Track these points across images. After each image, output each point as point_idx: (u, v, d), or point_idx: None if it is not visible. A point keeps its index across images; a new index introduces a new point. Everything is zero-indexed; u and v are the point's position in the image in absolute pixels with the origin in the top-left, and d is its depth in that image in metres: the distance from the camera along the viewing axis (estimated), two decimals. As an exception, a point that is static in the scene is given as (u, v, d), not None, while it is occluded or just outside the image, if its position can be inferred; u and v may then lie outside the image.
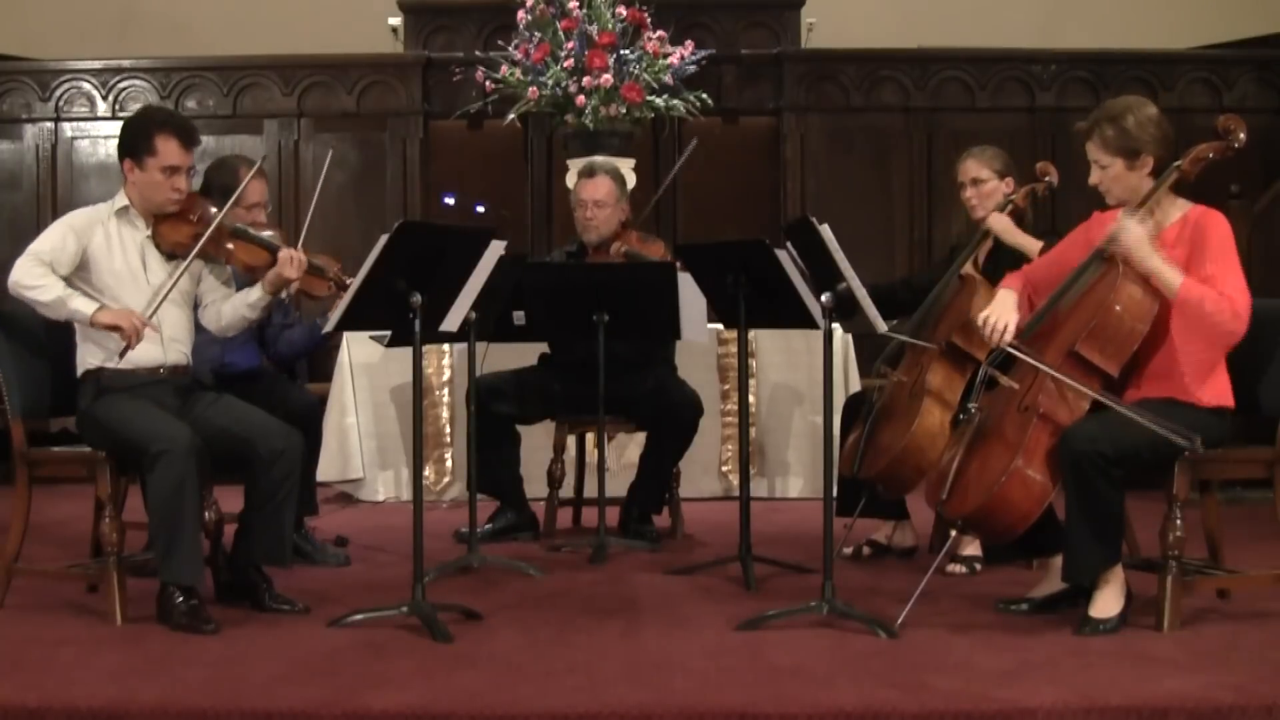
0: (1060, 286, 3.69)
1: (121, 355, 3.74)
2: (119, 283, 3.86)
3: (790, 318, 4.07)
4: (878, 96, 7.92)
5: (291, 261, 3.96)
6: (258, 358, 4.73)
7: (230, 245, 4.01)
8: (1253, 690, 2.97)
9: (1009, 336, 3.68)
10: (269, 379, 4.69)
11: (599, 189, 5.18)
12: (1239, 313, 3.47)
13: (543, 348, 5.29)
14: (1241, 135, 3.60)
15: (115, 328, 3.71)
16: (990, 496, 3.53)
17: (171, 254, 3.94)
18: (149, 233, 3.93)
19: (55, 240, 3.81)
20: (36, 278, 3.72)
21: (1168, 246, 3.58)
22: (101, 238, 3.87)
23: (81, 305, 3.73)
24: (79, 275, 3.83)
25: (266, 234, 4.10)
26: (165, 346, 3.90)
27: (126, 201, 3.94)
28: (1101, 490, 3.43)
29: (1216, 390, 3.57)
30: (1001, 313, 3.73)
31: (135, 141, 3.91)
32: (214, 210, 3.97)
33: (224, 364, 4.51)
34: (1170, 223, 3.65)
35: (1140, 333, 3.54)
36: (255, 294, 4.00)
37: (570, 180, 6.63)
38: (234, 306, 4.04)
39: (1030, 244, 4.34)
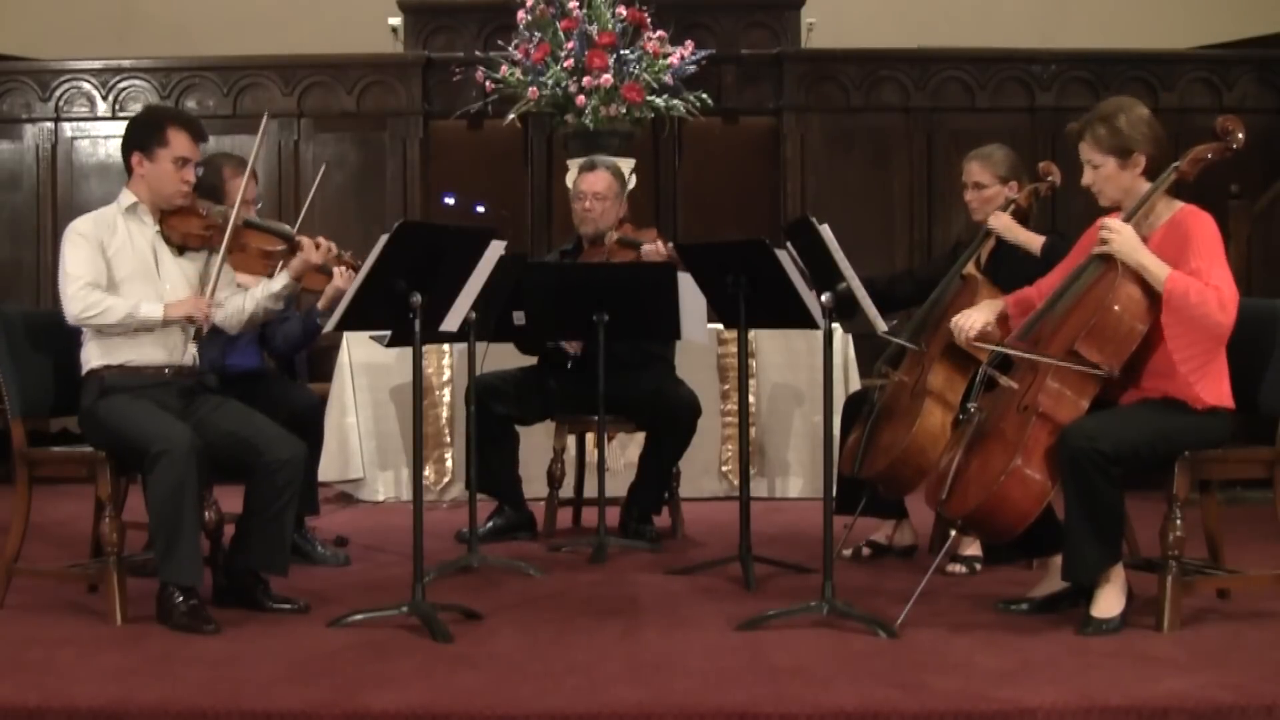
0: (1059, 287, 3.69)
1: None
2: (132, 280, 3.88)
3: (790, 318, 4.07)
4: (878, 96, 7.91)
5: (317, 246, 4.05)
6: (259, 358, 4.73)
7: (246, 237, 4.06)
8: (1253, 690, 2.97)
9: (971, 335, 3.82)
10: (271, 379, 4.70)
11: (598, 182, 5.20)
12: (1225, 303, 3.46)
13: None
14: (1240, 136, 3.60)
15: (189, 319, 3.86)
16: (989, 495, 3.53)
17: (183, 246, 3.98)
18: (158, 228, 3.96)
19: (85, 257, 3.84)
20: (95, 304, 3.79)
21: (1153, 249, 3.57)
22: (112, 238, 3.89)
23: (150, 311, 3.82)
24: None
25: (276, 223, 4.16)
26: (178, 348, 3.93)
27: (134, 199, 3.96)
28: (1100, 488, 3.43)
29: (1216, 391, 3.56)
30: (974, 313, 3.86)
31: (146, 133, 3.94)
32: (216, 207, 4.05)
33: (225, 365, 4.51)
34: (1159, 225, 3.64)
35: (1139, 332, 3.54)
36: (279, 283, 4.03)
37: (570, 180, 6.63)
38: (253, 299, 4.04)
39: (1032, 240, 4.33)
